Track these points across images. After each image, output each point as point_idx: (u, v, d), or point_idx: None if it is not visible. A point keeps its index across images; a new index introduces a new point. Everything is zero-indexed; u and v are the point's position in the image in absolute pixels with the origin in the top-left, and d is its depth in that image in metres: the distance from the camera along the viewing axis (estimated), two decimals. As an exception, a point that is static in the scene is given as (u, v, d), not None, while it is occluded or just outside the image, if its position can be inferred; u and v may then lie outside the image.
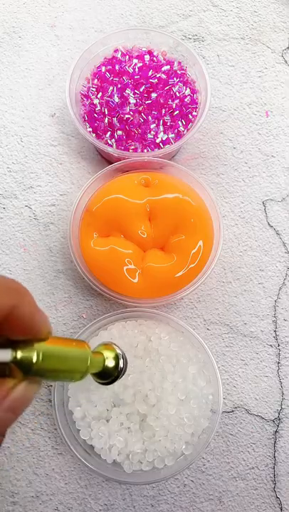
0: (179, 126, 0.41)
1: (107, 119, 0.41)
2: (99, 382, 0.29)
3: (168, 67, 0.42)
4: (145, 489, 0.39)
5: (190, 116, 0.41)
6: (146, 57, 0.42)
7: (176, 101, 0.41)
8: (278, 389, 0.41)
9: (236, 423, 0.41)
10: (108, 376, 0.29)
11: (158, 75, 0.41)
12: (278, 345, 0.42)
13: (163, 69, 0.41)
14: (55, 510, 0.39)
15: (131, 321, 0.39)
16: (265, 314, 0.43)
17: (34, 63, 0.48)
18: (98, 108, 0.41)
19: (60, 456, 0.40)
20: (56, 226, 0.44)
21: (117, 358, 0.29)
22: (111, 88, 0.41)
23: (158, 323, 0.39)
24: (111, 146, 0.41)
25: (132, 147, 0.41)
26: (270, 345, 0.42)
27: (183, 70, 0.42)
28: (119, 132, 0.41)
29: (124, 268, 0.37)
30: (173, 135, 0.41)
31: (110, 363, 0.28)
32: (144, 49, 0.43)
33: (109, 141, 0.41)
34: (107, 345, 0.29)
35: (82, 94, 0.42)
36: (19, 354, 0.21)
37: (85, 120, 0.42)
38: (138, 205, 0.38)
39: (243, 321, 0.42)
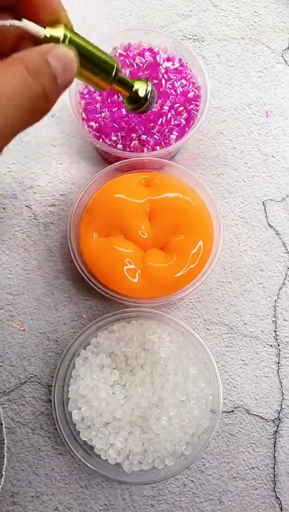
0: (181, 123, 0.41)
1: (107, 118, 0.41)
2: (130, 109, 0.34)
3: (170, 63, 0.42)
4: (145, 489, 0.39)
5: (193, 113, 0.41)
6: (147, 54, 0.42)
7: (179, 96, 0.41)
8: (278, 389, 0.41)
9: (236, 423, 0.41)
10: (137, 102, 0.33)
11: (162, 70, 0.41)
12: (278, 345, 0.42)
13: (164, 65, 0.41)
14: (55, 510, 0.39)
15: (131, 321, 0.39)
16: (265, 314, 0.43)
17: (34, 63, 0.48)
18: (98, 107, 0.41)
19: (60, 456, 0.40)
20: (56, 226, 0.44)
21: (146, 88, 0.33)
22: None
23: (158, 324, 0.39)
24: (111, 146, 0.41)
25: (133, 143, 0.41)
26: (270, 345, 0.42)
27: (184, 66, 0.42)
28: (120, 132, 0.41)
29: (124, 268, 0.37)
30: (175, 134, 0.41)
31: (141, 91, 0.33)
32: (144, 45, 0.43)
33: (108, 141, 0.41)
34: (140, 78, 0.34)
35: (81, 93, 0.42)
36: (50, 31, 0.24)
37: (84, 120, 0.42)
38: (138, 205, 0.38)
39: (243, 321, 0.42)
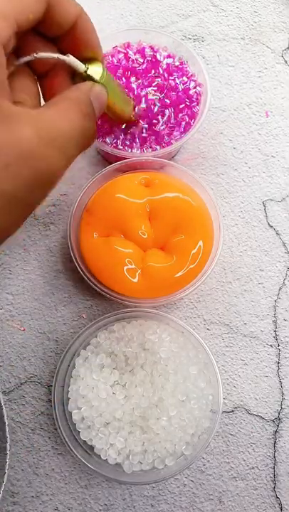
0: (184, 120, 0.41)
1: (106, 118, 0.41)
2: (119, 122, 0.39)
3: (170, 59, 0.42)
4: (145, 489, 0.39)
5: (194, 110, 0.41)
6: (148, 50, 0.42)
7: (180, 93, 0.41)
8: (278, 389, 0.41)
9: (236, 423, 0.41)
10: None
11: (163, 66, 0.41)
12: (278, 345, 0.42)
13: (165, 61, 0.41)
14: (55, 510, 0.39)
15: (131, 321, 0.39)
16: (265, 314, 0.43)
17: (34, 63, 0.48)
18: None
19: (60, 456, 0.40)
20: (56, 226, 0.44)
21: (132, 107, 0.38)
22: None
23: (158, 324, 0.39)
24: (110, 145, 0.41)
25: (133, 143, 0.41)
26: (270, 345, 0.42)
27: (185, 65, 0.42)
28: (119, 131, 0.41)
29: (124, 268, 0.37)
30: (176, 134, 0.41)
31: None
32: (144, 44, 0.43)
33: (108, 140, 0.41)
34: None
35: None
36: (90, 66, 0.26)
37: None
38: (138, 204, 0.38)
39: (243, 321, 0.42)
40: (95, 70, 0.26)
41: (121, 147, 0.41)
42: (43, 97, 0.27)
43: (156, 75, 0.41)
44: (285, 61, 0.49)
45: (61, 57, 0.25)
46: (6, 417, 0.37)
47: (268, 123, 0.47)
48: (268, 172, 0.46)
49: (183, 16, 0.49)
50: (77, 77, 0.27)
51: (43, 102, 0.27)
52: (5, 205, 0.20)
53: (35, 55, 0.24)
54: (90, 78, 0.26)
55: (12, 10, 0.21)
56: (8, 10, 0.20)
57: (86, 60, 0.26)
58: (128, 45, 0.43)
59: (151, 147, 0.41)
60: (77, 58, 0.26)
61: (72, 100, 0.23)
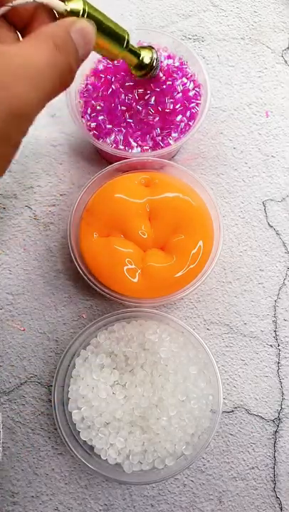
0: (182, 121, 0.41)
1: (107, 117, 0.41)
2: (138, 76, 0.38)
3: (170, 60, 0.42)
4: (145, 489, 0.39)
5: (193, 111, 0.41)
6: None
7: (180, 95, 0.41)
8: (278, 389, 0.41)
9: (236, 423, 0.41)
10: (143, 68, 0.37)
11: (164, 67, 0.41)
12: (278, 345, 0.42)
13: (165, 62, 0.41)
14: (55, 510, 0.39)
15: (131, 321, 0.39)
16: (265, 314, 0.43)
17: (34, 63, 0.48)
18: (98, 107, 0.41)
19: (60, 456, 0.40)
20: (56, 226, 0.44)
21: (152, 55, 0.37)
22: (112, 88, 0.41)
23: (158, 324, 0.39)
24: (110, 145, 0.41)
25: (133, 143, 0.41)
26: (270, 345, 0.42)
27: (184, 65, 0.42)
28: (119, 131, 0.41)
29: (124, 268, 0.37)
30: (175, 135, 0.41)
31: (146, 59, 0.37)
32: (145, 44, 0.43)
33: (108, 141, 0.41)
34: (146, 47, 0.38)
35: (81, 93, 0.42)
36: (70, 3, 0.25)
37: (84, 119, 0.42)
38: (138, 204, 0.38)
39: (243, 321, 0.42)
40: (76, 7, 0.25)
41: (122, 147, 0.41)
42: None
43: (152, 84, 0.41)
44: (285, 61, 0.49)
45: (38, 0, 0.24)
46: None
47: (267, 123, 0.47)
48: (268, 172, 0.46)
49: (183, 16, 0.49)
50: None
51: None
52: None
53: (11, 4, 0.23)
54: (73, 16, 0.25)
55: None
56: None
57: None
58: None
59: (151, 147, 0.41)
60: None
61: (46, 34, 0.23)
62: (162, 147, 0.41)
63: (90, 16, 0.26)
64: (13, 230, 0.43)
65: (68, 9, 0.25)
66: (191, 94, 0.41)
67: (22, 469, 0.40)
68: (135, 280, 0.37)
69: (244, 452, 0.40)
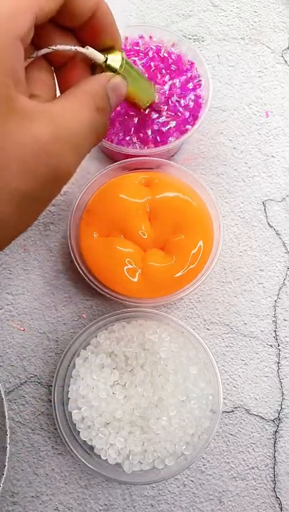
0: (188, 120, 0.41)
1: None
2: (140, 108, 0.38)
3: (177, 52, 0.42)
4: (145, 489, 0.39)
5: (197, 105, 0.41)
6: (153, 44, 0.42)
7: (191, 94, 0.41)
8: (278, 389, 0.41)
9: (236, 423, 0.41)
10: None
11: (172, 67, 0.41)
12: (278, 345, 0.42)
13: (174, 56, 0.41)
14: (55, 510, 0.39)
15: (131, 321, 0.39)
16: (265, 314, 0.43)
17: (34, 63, 0.48)
18: None
19: (60, 456, 0.40)
20: (56, 226, 0.44)
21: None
22: None
23: (158, 324, 0.39)
24: (111, 141, 0.41)
25: (134, 140, 0.41)
26: (270, 345, 0.42)
27: (187, 65, 0.43)
28: (120, 129, 0.41)
29: (124, 268, 0.37)
30: (176, 132, 0.41)
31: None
32: (154, 39, 0.43)
33: (113, 137, 0.41)
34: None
35: None
36: (109, 56, 0.25)
37: None
38: (138, 204, 0.38)
39: (243, 321, 0.42)
40: (115, 59, 0.25)
41: (124, 144, 0.41)
42: (60, 90, 0.26)
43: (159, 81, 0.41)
44: (285, 61, 0.49)
45: (79, 49, 0.24)
46: (7, 419, 0.37)
47: (267, 123, 0.47)
48: (268, 172, 0.46)
49: (183, 16, 0.49)
50: (97, 69, 0.26)
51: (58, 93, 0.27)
52: (20, 203, 0.20)
53: (53, 47, 0.23)
54: (109, 69, 0.25)
55: (30, 2, 0.20)
56: (26, 1, 0.20)
57: (105, 50, 0.26)
58: (137, 43, 0.43)
59: (152, 145, 0.41)
60: (95, 49, 0.25)
61: (87, 93, 0.23)
62: (162, 145, 0.41)
63: (126, 71, 0.26)
64: (13, 230, 0.43)
65: (108, 62, 0.25)
66: (193, 88, 0.41)
67: (22, 469, 0.40)
68: (135, 280, 0.37)
69: (244, 452, 0.40)
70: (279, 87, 0.48)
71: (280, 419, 0.41)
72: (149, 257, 0.38)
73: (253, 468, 0.40)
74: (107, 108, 0.24)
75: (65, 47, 0.24)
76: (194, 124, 0.41)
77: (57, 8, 0.22)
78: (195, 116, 0.41)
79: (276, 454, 0.40)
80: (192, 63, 0.42)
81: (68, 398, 0.37)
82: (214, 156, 0.46)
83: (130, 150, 0.40)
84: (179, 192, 0.39)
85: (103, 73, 0.25)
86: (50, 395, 0.40)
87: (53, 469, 0.40)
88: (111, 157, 0.45)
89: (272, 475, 0.40)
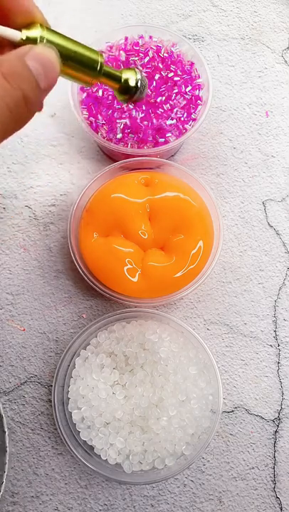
0: (187, 121, 0.41)
1: (108, 112, 0.41)
2: (121, 100, 0.32)
3: (177, 52, 0.42)
4: (145, 489, 0.39)
5: (197, 110, 0.41)
6: (153, 45, 0.42)
7: (191, 94, 0.41)
8: (278, 389, 0.41)
9: (236, 423, 0.41)
10: (127, 92, 0.31)
11: (171, 67, 0.41)
12: (278, 345, 0.42)
13: (174, 56, 0.41)
14: (55, 510, 0.39)
15: (131, 321, 0.39)
16: (265, 314, 0.43)
17: (34, 63, 0.48)
18: (100, 98, 0.41)
19: (60, 456, 0.40)
20: (56, 226, 0.44)
21: (136, 76, 0.32)
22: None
23: (158, 324, 0.39)
24: (110, 140, 0.41)
25: (133, 139, 0.41)
26: (270, 345, 0.42)
27: (188, 64, 0.43)
28: (120, 130, 0.41)
29: (124, 268, 0.37)
30: (177, 132, 0.41)
31: (131, 81, 0.31)
32: (154, 39, 0.43)
33: (107, 135, 0.41)
34: (129, 68, 0.32)
35: (81, 89, 0.42)
36: (26, 33, 0.23)
37: (86, 112, 0.42)
38: (138, 204, 0.38)
39: (243, 321, 0.42)
40: (33, 35, 0.23)
41: (122, 144, 0.41)
42: None
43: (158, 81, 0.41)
44: (285, 61, 0.49)
45: None
46: (5, 423, 0.37)
47: (268, 123, 0.47)
48: (268, 172, 0.46)
49: (183, 16, 0.49)
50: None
51: None
52: None
53: None
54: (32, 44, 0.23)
55: None
56: None
57: (24, 26, 0.23)
58: (136, 43, 0.43)
59: (151, 144, 0.41)
60: (12, 27, 0.22)
61: None
62: (162, 144, 0.41)
63: (51, 43, 0.24)
64: (13, 230, 0.43)
65: (24, 37, 0.22)
66: (192, 93, 0.41)
67: (22, 469, 0.40)
68: (135, 280, 0.37)
69: (244, 452, 0.40)
70: (279, 87, 0.48)
71: (280, 419, 0.41)
72: (149, 257, 0.38)
73: (253, 468, 0.40)
74: (25, 78, 0.20)
75: None
76: (194, 124, 0.41)
77: None
78: (195, 117, 0.41)
79: (276, 454, 0.40)
80: (192, 63, 0.42)
81: (68, 398, 0.37)
82: (214, 156, 0.46)
83: (130, 150, 0.40)
84: (179, 192, 0.39)
85: (21, 47, 0.22)
86: (50, 395, 0.40)
87: (53, 469, 0.40)
88: (111, 157, 0.45)
89: (272, 475, 0.40)
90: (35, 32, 0.23)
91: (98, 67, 0.27)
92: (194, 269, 0.38)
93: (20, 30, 0.22)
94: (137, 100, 0.33)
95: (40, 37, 0.23)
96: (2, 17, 0.22)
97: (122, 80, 0.31)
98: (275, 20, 0.50)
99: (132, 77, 0.32)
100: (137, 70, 0.32)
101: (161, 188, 0.39)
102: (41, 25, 0.23)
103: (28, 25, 0.23)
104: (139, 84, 0.32)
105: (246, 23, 0.50)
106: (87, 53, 0.26)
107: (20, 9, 0.22)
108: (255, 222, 0.44)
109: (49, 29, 0.24)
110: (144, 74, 0.33)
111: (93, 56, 0.27)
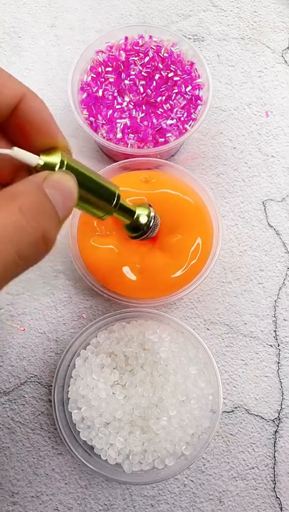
0: (187, 121, 0.41)
1: (108, 112, 0.41)
2: (131, 237, 0.31)
3: (177, 52, 0.42)
4: (145, 489, 0.39)
5: (197, 103, 0.41)
6: (153, 45, 0.42)
7: (191, 94, 0.41)
8: (278, 389, 0.41)
9: (236, 423, 0.41)
10: (137, 230, 0.31)
11: (171, 67, 0.41)
12: (278, 345, 0.42)
13: (174, 56, 0.41)
14: (55, 510, 0.39)
15: (131, 321, 0.39)
16: (265, 314, 0.43)
17: (34, 63, 0.48)
18: (100, 98, 0.41)
19: (60, 456, 0.40)
20: (56, 226, 0.44)
21: (149, 215, 0.31)
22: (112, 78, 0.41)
23: (158, 324, 0.39)
24: (110, 140, 0.41)
25: (133, 140, 0.41)
26: (270, 345, 0.42)
27: (188, 64, 0.43)
28: (120, 130, 0.41)
29: (124, 268, 0.37)
30: (177, 133, 0.41)
31: (143, 218, 0.30)
32: (154, 39, 0.43)
33: (107, 135, 0.41)
34: (142, 204, 0.31)
35: (81, 88, 0.42)
36: (45, 157, 0.21)
37: (86, 112, 0.42)
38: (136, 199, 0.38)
39: (243, 321, 0.42)
40: (52, 160, 0.21)
41: (122, 144, 0.41)
42: None
43: (158, 80, 0.41)
44: (285, 61, 0.49)
45: (2, 151, 0.19)
46: None
47: (268, 123, 0.47)
48: (268, 172, 0.46)
49: (183, 16, 0.49)
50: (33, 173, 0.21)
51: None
52: None
53: None
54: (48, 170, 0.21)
55: None
56: None
57: (44, 151, 0.21)
58: (136, 43, 0.43)
59: (152, 144, 0.41)
60: (33, 150, 0.20)
61: (11, 196, 0.17)
62: (162, 144, 0.41)
63: (70, 169, 0.21)
64: (13, 230, 0.43)
65: (42, 163, 0.20)
66: (192, 93, 0.41)
67: (22, 469, 0.40)
68: (134, 280, 0.37)
69: (244, 452, 0.40)
70: (279, 87, 0.48)
71: (280, 419, 0.41)
72: (148, 256, 0.38)
73: (253, 468, 0.40)
74: (46, 213, 0.18)
75: None
76: (194, 124, 0.41)
77: None
78: (195, 117, 0.41)
79: (276, 454, 0.40)
80: (192, 63, 0.42)
81: (68, 398, 0.37)
82: (214, 156, 0.46)
83: (130, 150, 0.40)
84: (177, 191, 0.39)
85: (40, 172, 0.20)
86: (50, 395, 0.40)
87: (53, 469, 0.40)
88: (111, 157, 0.45)
89: (272, 475, 0.40)
90: (55, 158, 0.21)
91: (115, 201, 0.26)
92: (194, 269, 0.38)
93: (39, 155, 0.21)
94: (147, 238, 0.31)
95: (60, 163, 0.21)
96: (23, 136, 0.21)
97: (135, 216, 0.29)
98: (275, 20, 0.50)
99: (144, 214, 0.30)
100: (150, 207, 0.31)
101: (160, 187, 0.39)
102: (62, 152, 0.21)
103: (49, 150, 0.21)
104: (151, 223, 0.31)
105: (246, 23, 0.50)
106: (106, 185, 0.25)
107: (44, 132, 0.21)
108: (255, 222, 0.44)
109: (70, 157, 0.22)
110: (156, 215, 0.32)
111: (111, 188, 0.25)
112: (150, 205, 0.32)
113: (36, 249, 0.18)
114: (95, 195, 0.24)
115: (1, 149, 0.19)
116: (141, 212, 0.30)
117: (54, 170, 0.21)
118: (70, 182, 0.20)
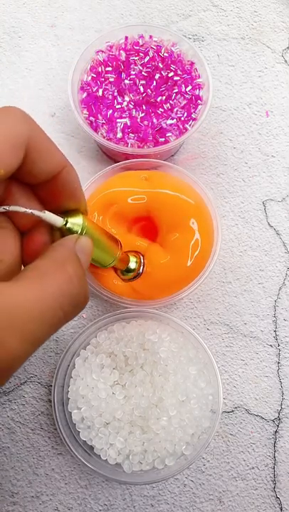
0: (187, 121, 0.41)
1: (108, 111, 0.41)
2: (122, 278, 0.37)
3: (177, 52, 0.42)
4: (145, 489, 0.39)
5: (197, 110, 0.41)
6: (153, 45, 0.42)
7: (191, 94, 0.41)
8: (278, 389, 0.41)
9: (236, 423, 0.41)
10: (130, 272, 0.36)
11: (171, 67, 0.41)
12: (278, 345, 0.42)
13: (174, 56, 0.41)
14: (55, 510, 0.39)
15: (131, 321, 0.39)
16: (265, 314, 0.43)
17: (34, 63, 0.48)
18: (100, 97, 0.41)
19: (60, 456, 0.40)
20: (56, 226, 0.44)
21: (139, 262, 0.37)
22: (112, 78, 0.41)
23: (158, 324, 0.39)
24: (110, 140, 0.41)
25: (132, 140, 0.41)
26: (270, 345, 0.42)
27: (188, 63, 0.43)
28: (121, 129, 0.41)
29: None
30: (177, 132, 0.41)
31: (132, 264, 0.36)
32: (154, 39, 0.43)
33: (112, 136, 0.41)
34: (132, 253, 0.37)
35: (81, 88, 0.42)
36: (70, 220, 0.24)
37: (86, 112, 0.42)
38: (138, 204, 0.38)
39: (243, 321, 0.42)
40: (75, 224, 0.24)
41: (122, 143, 0.41)
42: (23, 254, 0.24)
43: (158, 80, 0.41)
44: (285, 61, 0.49)
45: (36, 213, 0.22)
46: None
47: (268, 123, 0.47)
48: (268, 172, 0.46)
49: (183, 16, 0.49)
50: (56, 232, 0.25)
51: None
52: None
53: (6, 207, 0.21)
54: (69, 232, 0.24)
55: None
56: None
57: (66, 212, 0.24)
58: (136, 43, 0.43)
59: (152, 144, 0.41)
60: (57, 210, 0.24)
61: (62, 265, 0.20)
62: (162, 144, 0.41)
63: (88, 231, 0.25)
64: (13, 230, 0.43)
65: (66, 225, 0.24)
66: (192, 93, 0.41)
67: (22, 469, 0.40)
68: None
69: (244, 452, 0.40)
70: (279, 86, 0.48)
71: (280, 419, 0.41)
72: (148, 256, 0.38)
73: (253, 468, 0.40)
74: (82, 272, 0.21)
75: (20, 208, 0.21)
76: (194, 123, 0.41)
77: (12, 170, 0.20)
78: (195, 116, 0.41)
79: (276, 454, 0.40)
80: (192, 63, 0.42)
81: (68, 398, 0.37)
82: (214, 156, 0.46)
83: (130, 149, 0.40)
84: (177, 191, 0.39)
85: (68, 236, 0.23)
86: (50, 395, 0.40)
87: (53, 469, 0.40)
88: (111, 157, 0.45)
89: (272, 475, 0.40)
90: (77, 220, 0.24)
91: (117, 254, 0.31)
92: (194, 269, 0.38)
93: (63, 217, 0.24)
94: (136, 278, 0.37)
95: (82, 227, 0.24)
96: (53, 199, 0.24)
97: (129, 264, 0.35)
98: (275, 20, 0.50)
99: (133, 261, 0.36)
100: (139, 255, 0.37)
101: (161, 187, 0.39)
102: (83, 216, 0.25)
103: (71, 212, 0.24)
104: (141, 270, 0.36)
105: (246, 23, 0.50)
106: (112, 242, 0.30)
107: (72, 199, 0.24)
108: (255, 222, 0.44)
109: (90, 223, 0.25)
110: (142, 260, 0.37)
111: (116, 244, 0.31)
112: (138, 252, 0.37)
113: (81, 306, 0.21)
114: (102, 251, 0.29)
115: (36, 211, 0.22)
116: (132, 259, 0.36)
117: (75, 230, 0.24)
118: (90, 246, 0.24)
